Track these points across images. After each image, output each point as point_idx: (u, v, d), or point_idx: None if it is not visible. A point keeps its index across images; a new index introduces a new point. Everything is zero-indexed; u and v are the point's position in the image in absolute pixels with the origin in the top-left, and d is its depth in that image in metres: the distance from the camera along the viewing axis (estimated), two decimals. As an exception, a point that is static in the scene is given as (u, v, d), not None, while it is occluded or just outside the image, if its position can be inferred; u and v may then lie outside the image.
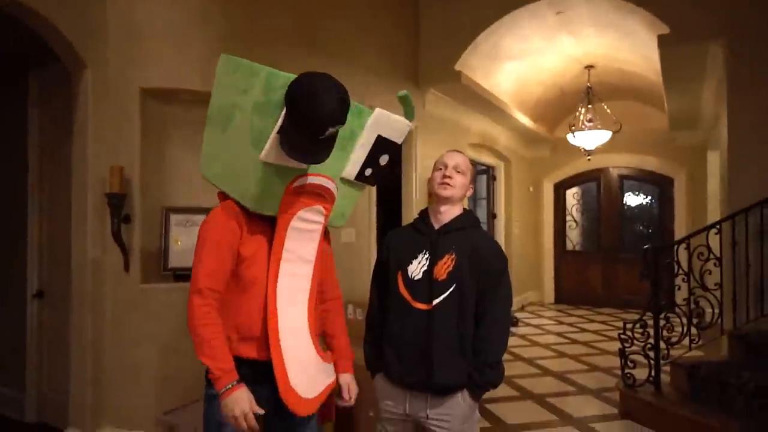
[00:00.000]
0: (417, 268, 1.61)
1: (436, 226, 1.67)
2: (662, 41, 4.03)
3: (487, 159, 7.31)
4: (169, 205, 2.86)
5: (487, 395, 3.89)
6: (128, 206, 2.68)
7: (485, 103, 5.85)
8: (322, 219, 1.50)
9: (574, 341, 5.69)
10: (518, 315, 7.04)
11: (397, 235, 1.77)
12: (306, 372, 1.43)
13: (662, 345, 3.34)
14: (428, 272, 1.60)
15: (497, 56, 5.53)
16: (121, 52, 2.72)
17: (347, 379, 1.59)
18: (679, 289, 3.48)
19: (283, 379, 1.37)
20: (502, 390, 3.97)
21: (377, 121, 1.48)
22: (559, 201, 8.53)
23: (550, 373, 4.42)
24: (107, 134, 2.71)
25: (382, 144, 1.50)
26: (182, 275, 2.80)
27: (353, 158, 1.49)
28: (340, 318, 1.67)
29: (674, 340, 3.34)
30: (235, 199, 1.41)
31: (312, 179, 1.44)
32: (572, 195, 8.55)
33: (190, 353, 2.67)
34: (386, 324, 1.67)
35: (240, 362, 1.39)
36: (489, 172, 7.67)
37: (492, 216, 7.68)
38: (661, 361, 3.34)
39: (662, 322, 3.33)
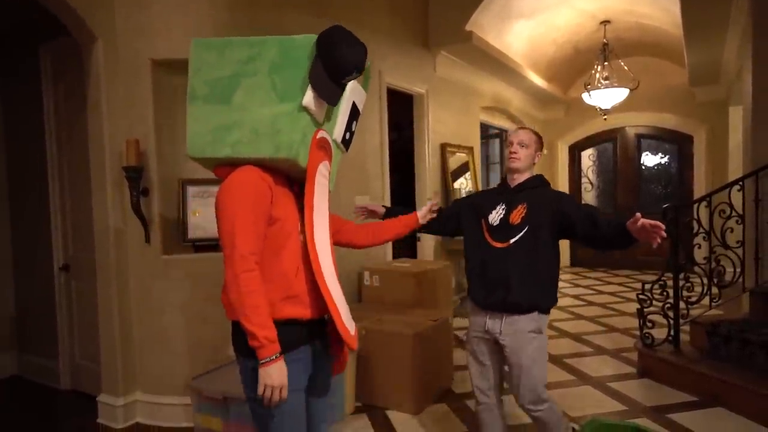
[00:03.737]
0: (495, 216, 2.04)
1: (512, 186, 2.08)
2: (684, -9, 3.87)
3: (499, 122, 7.19)
4: (186, 177, 2.87)
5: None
6: (146, 179, 2.70)
7: (497, 65, 5.71)
8: (328, 176, 1.58)
9: (591, 303, 5.71)
10: (534, 278, 7.05)
11: (482, 194, 2.30)
12: (346, 311, 1.55)
13: (681, 304, 3.33)
14: (505, 219, 2.01)
15: (508, 15, 5.35)
16: (130, 23, 2.69)
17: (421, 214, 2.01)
18: (699, 247, 3.43)
19: (338, 318, 1.46)
20: (520, 351, 4.02)
21: (353, 89, 1.59)
22: (574, 163, 8.41)
23: (567, 335, 4.46)
24: (121, 107, 2.71)
25: (354, 110, 1.62)
26: (202, 246, 2.84)
27: (340, 121, 1.59)
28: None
29: (694, 299, 3.33)
30: (265, 159, 1.42)
31: (325, 134, 1.52)
32: (588, 156, 8.40)
33: (215, 321, 2.75)
34: (470, 260, 2.08)
35: (287, 323, 1.41)
36: (502, 135, 7.56)
37: (506, 180, 7.61)
38: (681, 320, 3.34)
39: (681, 282, 3.32)
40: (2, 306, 3.65)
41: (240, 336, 1.39)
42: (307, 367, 1.50)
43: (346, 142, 1.65)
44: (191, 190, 2.88)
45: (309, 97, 1.41)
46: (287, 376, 1.37)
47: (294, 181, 1.52)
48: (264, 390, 1.33)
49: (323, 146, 1.51)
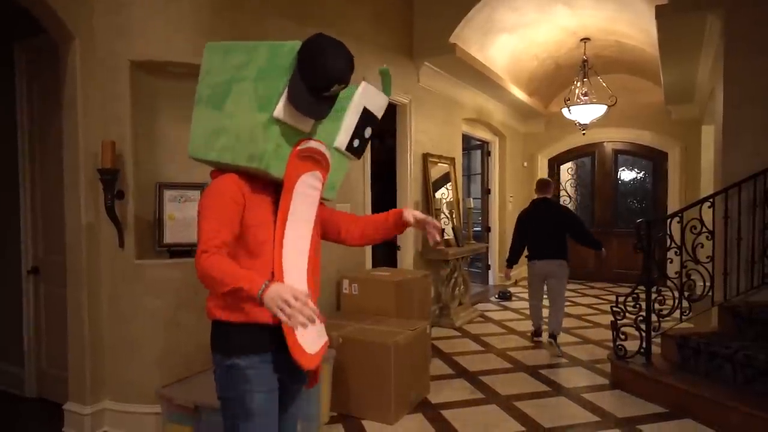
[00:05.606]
0: None
1: None
2: (660, 12, 3.98)
3: (482, 134, 7.28)
4: (163, 180, 2.83)
5: (482, 367, 3.93)
6: (121, 182, 2.65)
7: (480, 77, 5.79)
8: (320, 186, 1.54)
9: (566, 314, 5.74)
10: (511, 290, 7.12)
11: None
12: (313, 328, 1.45)
13: (653, 317, 3.39)
14: None
15: (492, 29, 5.44)
16: (109, 23, 2.65)
17: (408, 214, 1.68)
18: (671, 262, 3.51)
19: (290, 334, 1.40)
20: (497, 362, 4.04)
21: (365, 92, 1.55)
22: (554, 176, 8.54)
23: (543, 346, 4.50)
24: (97, 108, 2.66)
25: (367, 116, 1.57)
26: (177, 251, 2.79)
27: (344, 128, 1.55)
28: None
29: (665, 312, 3.40)
30: (241, 166, 1.42)
31: (314, 144, 1.49)
32: (566, 170, 8.55)
33: (188, 328, 2.70)
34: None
35: (257, 328, 1.42)
36: (484, 147, 7.64)
37: (486, 191, 7.69)
38: (652, 333, 3.40)
39: (654, 295, 3.39)
40: (-34, 309, 3.52)
41: (216, 334, 1.47)
42: (280, 369, 1.49)
43: (355, 150, 1.59)
44: (168, 194, 2.83)
45: (279, 109, 1.38)
46: (258, 377, 1.44)
47: (279, 189, 1.49)
48: (283, 307, 1.21)
49: (310, 156, 1.47)
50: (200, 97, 1.52)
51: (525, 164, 8.48)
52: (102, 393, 2.71)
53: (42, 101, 3.15)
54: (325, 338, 1.58)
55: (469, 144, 7.32)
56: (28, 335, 3.24)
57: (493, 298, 6.71)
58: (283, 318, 1.22)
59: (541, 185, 4.63)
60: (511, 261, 4.61)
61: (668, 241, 3.45)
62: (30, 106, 3.22)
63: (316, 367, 1.51)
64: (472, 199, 6.24)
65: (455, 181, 5.86)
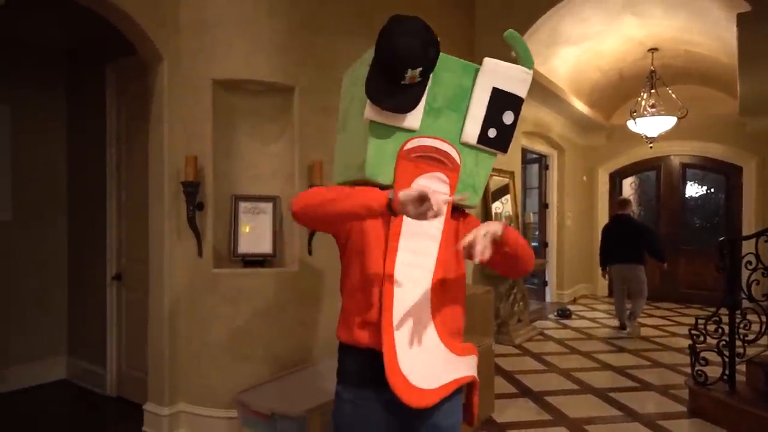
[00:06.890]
0: None
1: None
2: (742, 20, 3.79)
3: (540, 147, 7.14)
4: (238, 193, 2.95)
5: (546, 387, 3.79)
6: (201, 194, 2.78)
7: (542, 90, 5.69)
8: (446, 189, 1.32)
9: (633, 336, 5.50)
10: (571, 308, 6.87)
11: None
12: (422, 357, 1.23)
13: (737, 342, 3.18)
14: None
15: (555, 42, 5.35)
16: (194, 44, 2.80)
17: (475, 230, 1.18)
18: (757, 283, 3.28)
19: (391, 358, 1.19)
20: (562, 383, 3.90)
21: (487, 70, 1.34)
22: (615, 191, 8.23)
23: (610, 368, 4.31)
24: (181, 124, 2.81)
25: (500, 98, 1.34)
26: (251, 261, 2.89)
27: (471, 117, 1.34)
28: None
29: (750, 338, 3.17)
30: (359, 182, 1.34)
31: (427, 141, 1.31)
32: (629, 184, 8.22)
33: (261, 336, 2.77)
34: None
35: (357, 353, 1.28)
36: (542, 161, 7.49)
37: (544, 206, 7.51)
38: (736, 359, 3.18)
39: (738, 318, 3.17)
40: (56, 311, 3.78)
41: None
42: (377, 416, 1.26)
43: (494, 142, 1.36)
44: (242, 206, 2.94)
45: (367, 108, 1.27)
46: (355, 416, 1.27)
47: None
48: (419, 211, 1.07)
49: (424, 156, 1.31)
50: (338, 127, 1.55)
51: (584, 178, 8.22)
52: (179, 396, 2.82)
53: (128, 118, 3.37)
54: (466, 373, 1.31)
55: (525, 158, 7.19)
56: (110, 338, 3.44)
57: (551, 316, 6.50)
58: (419, 215, 1.07)
59: (619, 203, 5.78)
60: (602, 264, 5.66)
61: (755, 261, 3.22)
62: (118, 123, 3.45)
63: (431, 403, 1.20)
64: (531, 214, 6.11)
65: (514, 195, 5.76)
